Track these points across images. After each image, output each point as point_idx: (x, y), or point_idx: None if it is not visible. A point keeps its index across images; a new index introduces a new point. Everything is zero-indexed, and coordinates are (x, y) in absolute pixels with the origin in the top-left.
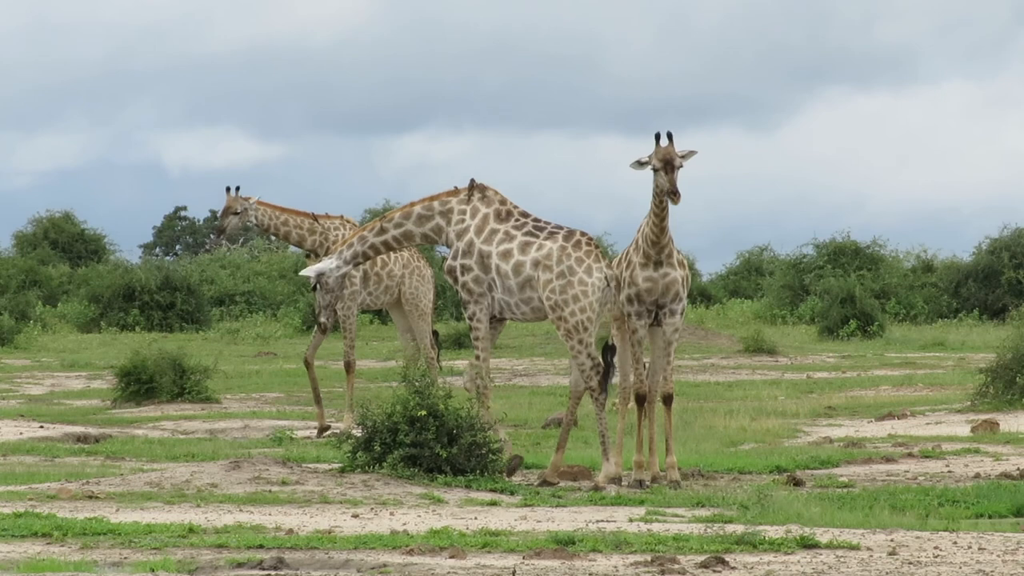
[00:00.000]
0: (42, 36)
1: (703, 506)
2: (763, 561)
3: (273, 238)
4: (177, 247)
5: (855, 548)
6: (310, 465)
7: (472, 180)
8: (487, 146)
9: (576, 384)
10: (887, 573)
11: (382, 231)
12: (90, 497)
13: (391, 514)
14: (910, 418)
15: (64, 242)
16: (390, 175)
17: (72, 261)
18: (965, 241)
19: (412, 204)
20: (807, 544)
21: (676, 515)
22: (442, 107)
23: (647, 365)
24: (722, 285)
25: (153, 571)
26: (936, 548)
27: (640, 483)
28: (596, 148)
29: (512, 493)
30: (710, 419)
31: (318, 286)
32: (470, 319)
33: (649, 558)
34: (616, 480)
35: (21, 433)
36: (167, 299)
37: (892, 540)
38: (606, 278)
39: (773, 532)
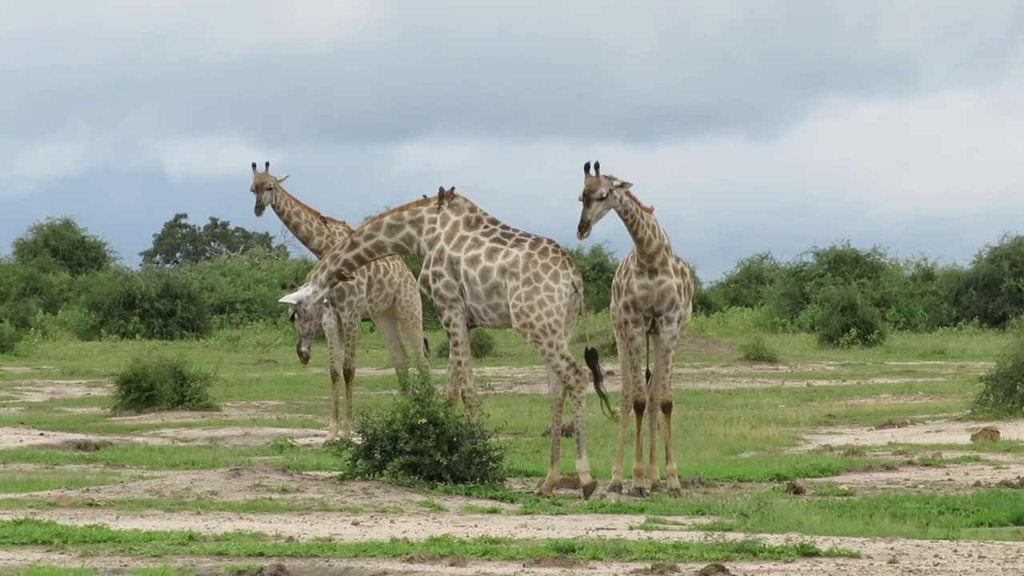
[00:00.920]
0: (43, 43)
1: (703, 514)
2: (763, 569)
3: (284, 226)
4: (177, 255)
5: (855, 556)
6: (310, 473)
7: (441, 188)
8: (488, 153)
9: (556, 392)
10: None
11: (353, 245)
12: (90, 504)
13: (391, 522)
14: (910, 426)
15: (64, 249)
16: (392, 182)
17: (72, 268)
18: (965, 249)
19: (381, 215)
20: (807, 552)
21: (676, 523)
22: (443, 114)
23: (651, 373)
24: (722, 293)
25: None
26: (936, 556)
27: (640, 491)
28: (598, 156)
29: (512, 501)
30: (710, 427)
31: (296, 316)
32: (446, 325)
33: (649, 566)
34: (617, 488)
35: (21, 440)
36: (167, 307)
37: (892, 548)
38: (573, 284)
39: (773, 540)
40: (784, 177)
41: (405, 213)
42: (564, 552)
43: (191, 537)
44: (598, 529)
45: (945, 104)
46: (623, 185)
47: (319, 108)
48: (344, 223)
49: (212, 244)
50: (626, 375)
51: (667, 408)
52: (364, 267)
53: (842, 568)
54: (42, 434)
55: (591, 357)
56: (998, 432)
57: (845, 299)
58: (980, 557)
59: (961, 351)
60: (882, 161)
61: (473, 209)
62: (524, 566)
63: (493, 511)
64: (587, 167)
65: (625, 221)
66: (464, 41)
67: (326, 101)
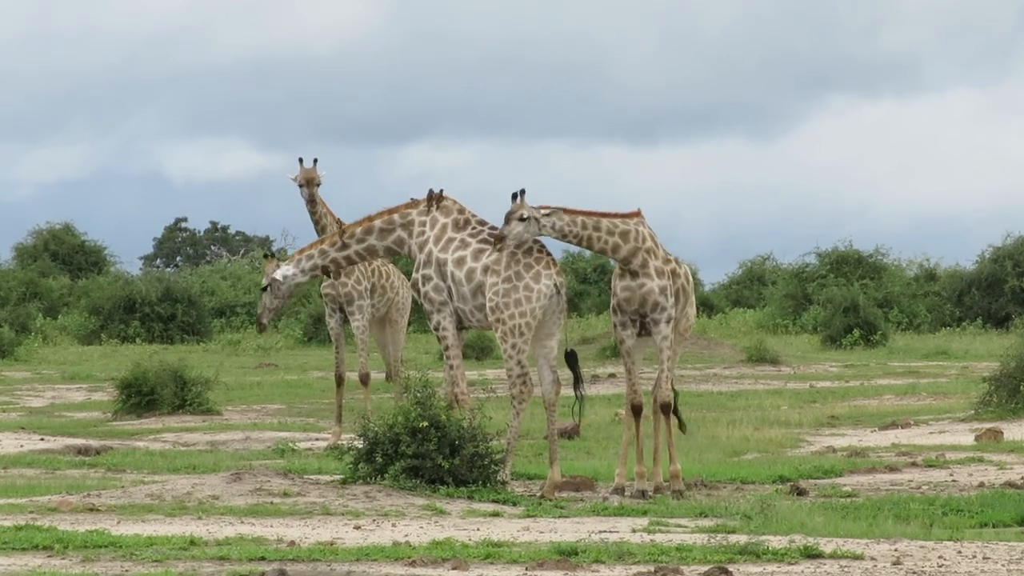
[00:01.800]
0: (44, 45)
1: (706, 516)
2: (767, 571)
3: (313, 226)
4: (178, 258)
5: (859, 558)
6: (312, 477)
7: (431, 191)
8: (490, 155)
9: (548, 393)
10: None
11: (344, 246)
12: (91, 510)
13: (393, 525)
14: (914, 427)
15: (64, 254)
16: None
17: (72, 273)
18: (968, 250)
19: (371, 218)
20: (811, 554)
21: (679, 525)
22: (446, 116)
23: (658, 376)
24: (724, 294)
25: None
26: (940, 558)
27: (643, 493)
28: (600, 157)
29: (515, 504)
30: (713, 429)
31: (268, 288)
32: (436, 329)
33: (652, 569)
34: (619, 491)
35: (22, 446)
36: (168, 311)
37: (896, 550)
38: (556, 285)
39: (776, 542)
40: (786, 178)
41: (395, 216)
42: (567, 555)
43: (192, 542)
44: (601, 532)
45: (948, 104)
46: (551, 213)
47: (321, 110)
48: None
49: (212, 248)
50: (629, 378)
51: (665, 410)
52: (368, 272)
53: (846, 570)
54: (43, 439)
55: (571, 359)
56: (1002, 433)
57: (848, 300)
58: (984, 558)
59: (964, 352)
60: (884, 161)
61: (462, 211)
62: (527, 569)
63: (495, 514)
64: (514, 196)
65: (572, 243)
66: (466, 43)
67: (328, 103)
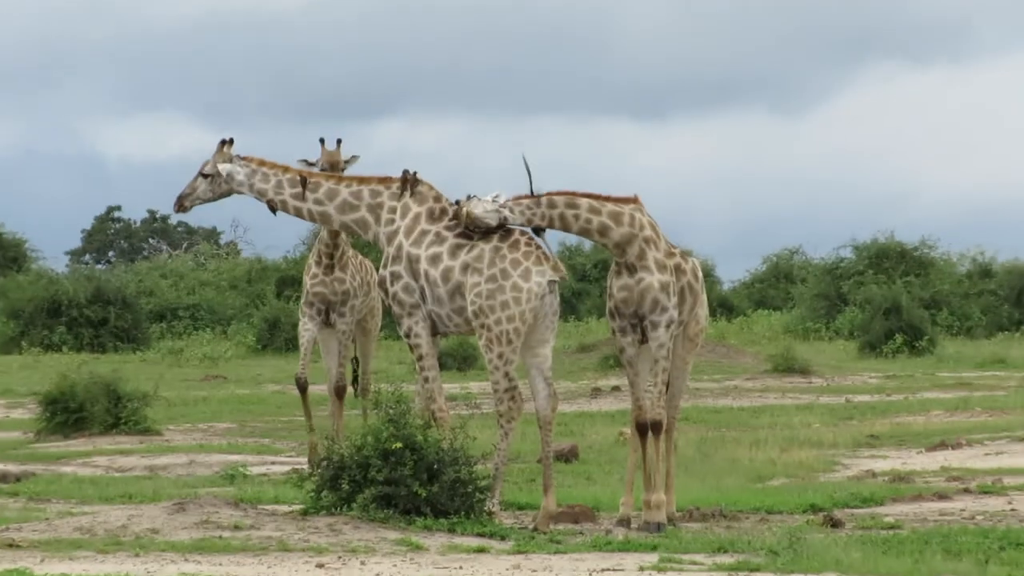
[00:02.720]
0: None
1: (725, 551)
2: None
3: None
4: (110, 254)
5: None
6: (267, 507)
7: (405, 172)
8: (476, 133)
9: (542, 409)
10: None
11: (302, 198)
12: (10, 546)
13: (362, 563)
14: (966, 448)
15: None
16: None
17: None
18: None
19: (340, 180)
20: None
21: (694, 562)
22: (424, 87)
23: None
24: (746, 295)
25: None
26: None
27: (658, 526)
28: (601, 134)
29: (503, 538)
30: (733, 450)
31: (211, 178)
32: (406, 336)
33: None
34: (625, 522)
35: None
36: (99, 314)
37: None
38: (548, 284)
39: None
40: (817, 158)
41: (365, 191)
42: None
43: None
44: (603, 570)
45: (1008, 72)
46: (506, 205)
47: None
48: None
49: (150, 241)
50: (638, 391)
51: (656, 429)
52: (358, 266)
53: None
54: None
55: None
56: None
57: (889, 300)
58: None
59: None
60: (932, 139)
61: (439, 199)
62: None
63: (480, 550)
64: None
65: (543, 227)
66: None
67: (287, 72)
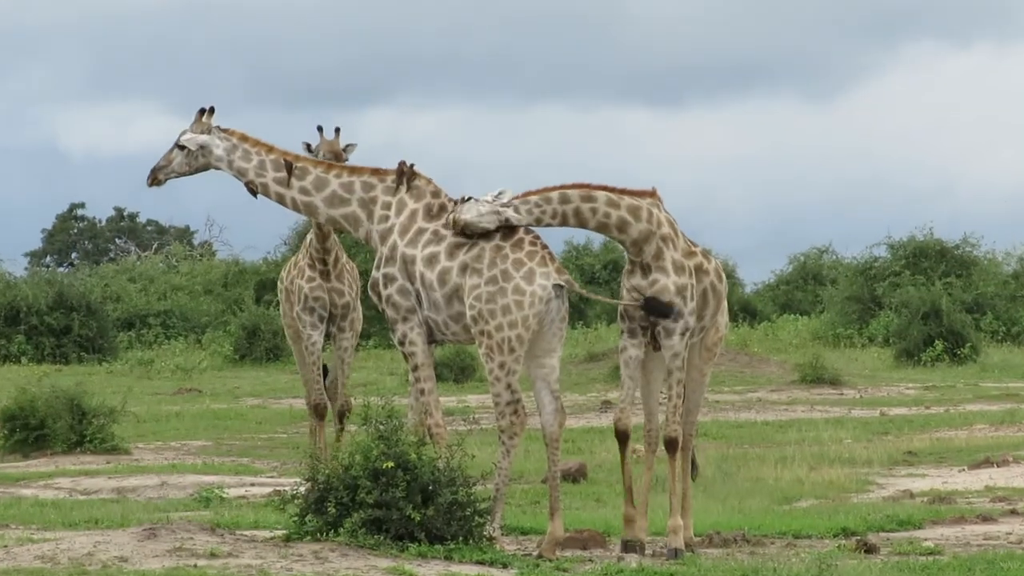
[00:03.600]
0: None
1: None
2: None
3: None
4: (73, 255)
5: None
6: (246, 532)
7: (402, 164)
8: (474, 121)
9: (548, 425)
10: None
11: (286, 184)
12: None
13: None
14: (1013, 465)
15: None
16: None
17: None
18: None
19: (330, 168)
20: None
21: None
22: (418, 72)
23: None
24: (770, 298)
25: None
26: None
27: (675, 552)
28: (611, 123)
29: (505, 566)
30: (757, 469)
31: (186, 152)
32: (401, 344)
33: None
34: (639, 547)
35: None
36: (61, 322)
37: None
38: (555, 287)
39: None
40: (849, 148)
41: (357, 183)
42: None
43: None
44: None
45: None
46: (510, 204)
47: (257, 65)
48: None
49: (117, 241)
50: (651, 404)
51: (671, 447)
52: (353, 274)
53: None
54: None
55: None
56: None
57: (927, 304)
58: None
59: None
60: (975, 126)
61: (436, 194)
62: None
63: None
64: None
65: (555, 225)
66: None
67: (266, 56)
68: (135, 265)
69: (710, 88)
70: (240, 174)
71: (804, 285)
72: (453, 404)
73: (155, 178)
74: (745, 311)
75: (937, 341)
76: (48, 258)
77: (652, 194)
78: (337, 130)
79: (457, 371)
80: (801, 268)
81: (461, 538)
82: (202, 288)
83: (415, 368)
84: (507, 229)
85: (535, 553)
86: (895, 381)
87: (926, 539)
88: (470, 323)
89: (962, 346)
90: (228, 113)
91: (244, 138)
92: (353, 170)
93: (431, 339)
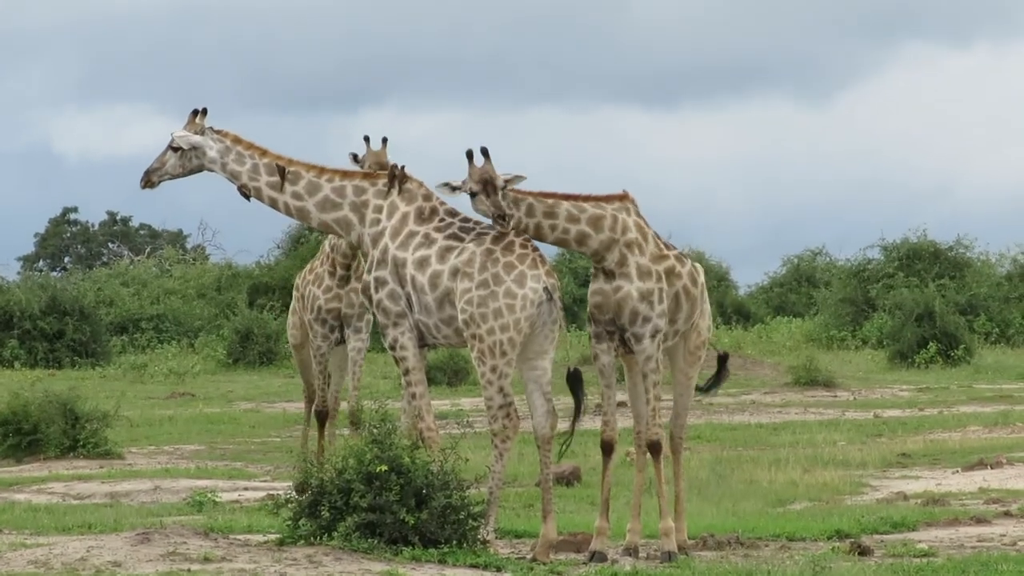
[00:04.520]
0: None
1: None
2: None
3: None
4: (66, 259)
5: None
6: (239, 536)
7: (393, 167)
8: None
9: (540, 427)
10: None
11: (280, 188)
12: None
13: None
14: (1007, 467)
15: None
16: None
17: None
18: None
19: (322, 172)
20: None
21: None
22: (412, 74)
23: (672, 407)
24: (764, 300)
25: None
26: None
27: (669, 555)
28: (606, 125)
29: (499, 569)
30: (751, 471)
31: (179, 152)
32: (392, 348)
33: None
34: (632, 551)
35: None
36: (54, 326)
37: None
38: (546, 289)
39: None
40: (843, 150)
41: (348, 187)
42: None
43: None
44: None
45: None
46: (515, 179)
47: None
48: None
49: (110, 246)
50: (639, 407)
51: (654, 450)
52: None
53: None
54: None
55: (574, 381)
56: None
57: (921, 305)
58: None
59: None
60: (972, 127)
61: (428, 197)
62: None
63: None
64: (470, 154)
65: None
66: None
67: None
68: (128, 269)
69: (704, 90)
70: (234, 177)
71: (798, 287)
72: (447, 407)
73: (148, 180)
74: (738, 313)
75: (931, 343)
76: (41, 262)
77: (623, 198)
78: (384, 140)
79: (450, 374)
80: (795, 270)
81: (455, 542)
82: (195, 292)
83: (406, 372)
84: (499, 234)
85: (529, 556)
86: (889, 383)
87: (920, 541)
88: (462, 327)
89: (956, 348)
90: (223, 116)
91: (237, 140)
92: (345, 174)
93: (422, 343)
